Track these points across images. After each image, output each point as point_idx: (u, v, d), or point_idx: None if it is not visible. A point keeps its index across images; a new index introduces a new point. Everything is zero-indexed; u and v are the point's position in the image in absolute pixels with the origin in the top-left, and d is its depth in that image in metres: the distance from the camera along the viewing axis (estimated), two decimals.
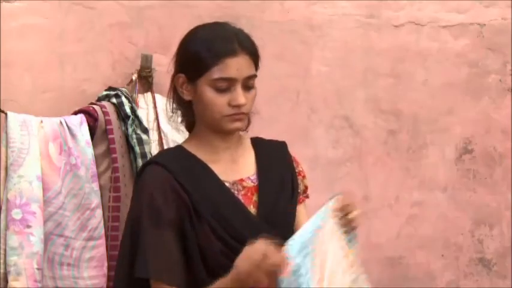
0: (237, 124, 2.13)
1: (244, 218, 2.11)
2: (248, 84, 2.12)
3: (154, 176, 2.10)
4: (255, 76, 2.14)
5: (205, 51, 2.10)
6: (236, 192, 2.14)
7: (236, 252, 2.03)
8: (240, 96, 2.09)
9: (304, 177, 2.31)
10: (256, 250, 1.96)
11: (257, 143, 2.27)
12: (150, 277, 2.05)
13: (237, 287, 1.99)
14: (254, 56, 2.14)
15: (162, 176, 2.09)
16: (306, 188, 2.32)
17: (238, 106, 2.10)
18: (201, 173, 2.13)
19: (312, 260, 1.98)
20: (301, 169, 2.30)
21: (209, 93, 2.10)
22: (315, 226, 2.03)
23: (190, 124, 2.23)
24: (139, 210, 2.09)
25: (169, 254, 2.05)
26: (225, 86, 2.09)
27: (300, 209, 2.27)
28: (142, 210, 2.07)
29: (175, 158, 2.15)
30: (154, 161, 2.18)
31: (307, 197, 2.32)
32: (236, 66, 2.09)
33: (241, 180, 2.17)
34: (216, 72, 2.09)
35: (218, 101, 2.10)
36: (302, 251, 2.00)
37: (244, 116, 2.13)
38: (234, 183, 2.15)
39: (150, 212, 2.06)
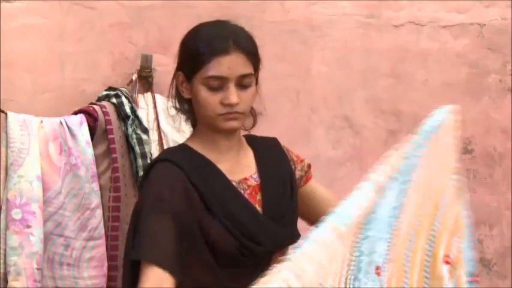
0: (232, 123, 2.11)
1: (254, 217, 2.11)
2: (243, 83, 2.10)
3: (164, 171, 2.09)
4: (251, 75, 2.12)
5: (200, 50, 2.09)
6: (242, 191, 2.14)
7: (249, 250, 2.05)
8: (232, 95, 2.08)
9: (302, 160, 2.31)
10: None
11: (252, 140, 2.26)
12: (141, 258, 2.01)
13: None
14: (251, 54, 2.12)
15: (174, 173, 2.07)
16: (309, 167, 2.32)
17: (230, 105, 2.08)
18: (211, 173, 2.12)
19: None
20: (295, 157, 2.30)
21: (203, 92, 2.10)
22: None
23: (194, 122, 2.23)
24: (143, 203, 2.07)
25: (165, 239, 2.00)
26: (217, 84, 2.08)
27: (313, 184, 2.30)
28: (146, 201, 2.06)
29: (185, 157, 2.13)
30: (164, 158, 2.15)
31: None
32: (228, 64, 2.07)
33: (246, 179, 2.17)
34: (208, 70, 2.08)
35: (211, 100, 2.09)
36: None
37: (239, 115, 2.11)
38: (239, 182, 2.15)
39: (153, 202, 2.04)
